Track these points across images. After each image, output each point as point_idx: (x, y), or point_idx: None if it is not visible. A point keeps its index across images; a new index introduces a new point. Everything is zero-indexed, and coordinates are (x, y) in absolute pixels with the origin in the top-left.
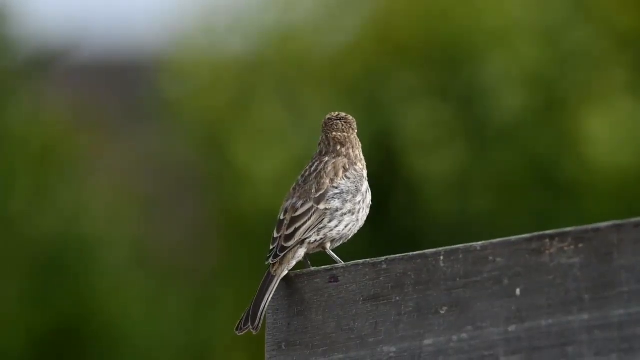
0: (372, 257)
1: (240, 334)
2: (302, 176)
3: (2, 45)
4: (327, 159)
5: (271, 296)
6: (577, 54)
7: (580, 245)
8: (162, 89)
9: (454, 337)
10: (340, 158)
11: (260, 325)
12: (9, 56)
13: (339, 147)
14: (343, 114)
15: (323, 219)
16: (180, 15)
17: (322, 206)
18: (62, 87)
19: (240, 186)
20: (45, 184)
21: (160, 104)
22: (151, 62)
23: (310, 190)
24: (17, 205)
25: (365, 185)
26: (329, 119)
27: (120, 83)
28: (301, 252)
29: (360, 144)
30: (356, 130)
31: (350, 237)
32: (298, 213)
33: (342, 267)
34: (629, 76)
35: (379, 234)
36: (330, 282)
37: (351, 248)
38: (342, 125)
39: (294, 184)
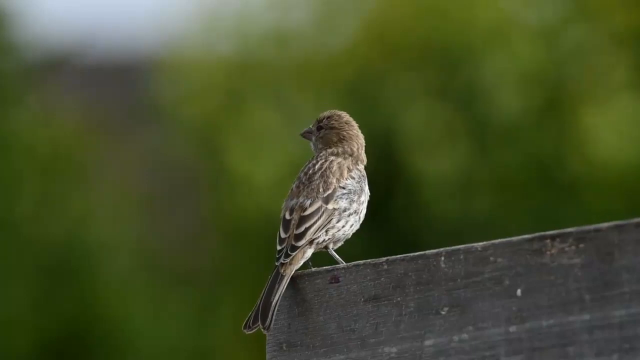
0: (372, 258)
1: (248, 332)
2: (306, 174)
3: (8, 48)
4: (332, 157)
5: (281, 295)
6: (576, 53)
7: (581, 246)
8: (159, 91)
9: (455, 338)
10: (345, 156)
11: (271, 324)
12: (15, 60)
13: (345, 144)
14: (344, 113)
15: (332, 219)
16: (178, 17)
17: (330, 206)
18: (66, 91)
19: (236, 188)
20: (51, 189)
21: (159, 106)
22: (151, 65)
23: (317, 189)
24: (24, 210)
25: (366, 184)
26: (338, 115)
27: (122, 85)
28: (309, 252)
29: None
30: (360, 130)
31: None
32: (307, 212)
33: (343, 268)
34: (628, 74)
35: (379, 234)
36: (331, 282)
37: (352, 249)
38: (350, 121)
39: (297, 182)
